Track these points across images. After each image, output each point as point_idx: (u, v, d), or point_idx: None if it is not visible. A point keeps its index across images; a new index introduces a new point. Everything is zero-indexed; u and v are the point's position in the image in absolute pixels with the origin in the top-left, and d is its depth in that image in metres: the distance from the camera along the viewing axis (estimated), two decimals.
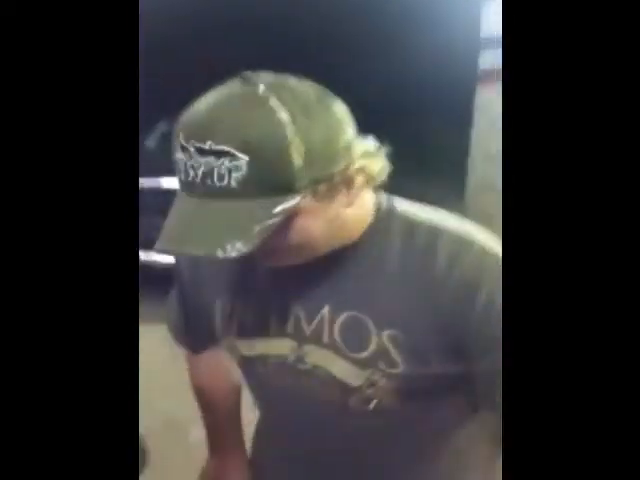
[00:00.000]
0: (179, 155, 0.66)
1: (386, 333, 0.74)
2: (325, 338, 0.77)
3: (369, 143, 0.73)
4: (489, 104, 5.12)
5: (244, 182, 0.63)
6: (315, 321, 0.78)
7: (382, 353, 0.74)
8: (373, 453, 0.82)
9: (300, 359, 0.79)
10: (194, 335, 0.96)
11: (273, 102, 0.64)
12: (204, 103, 0.67)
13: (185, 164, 0.65)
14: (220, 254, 0.63)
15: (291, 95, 0.66)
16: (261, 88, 0.65)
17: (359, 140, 0.71)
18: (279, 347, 0.80)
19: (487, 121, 5.07)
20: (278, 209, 0.65)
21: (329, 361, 0.77)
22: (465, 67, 5.60)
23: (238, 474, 1.03)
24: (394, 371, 0.74)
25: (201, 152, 0.63)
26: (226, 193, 0.63)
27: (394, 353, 0.73)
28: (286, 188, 0.65)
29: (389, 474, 0.84)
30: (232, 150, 0.62)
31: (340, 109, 0.70)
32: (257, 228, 0.64)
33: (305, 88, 0.69)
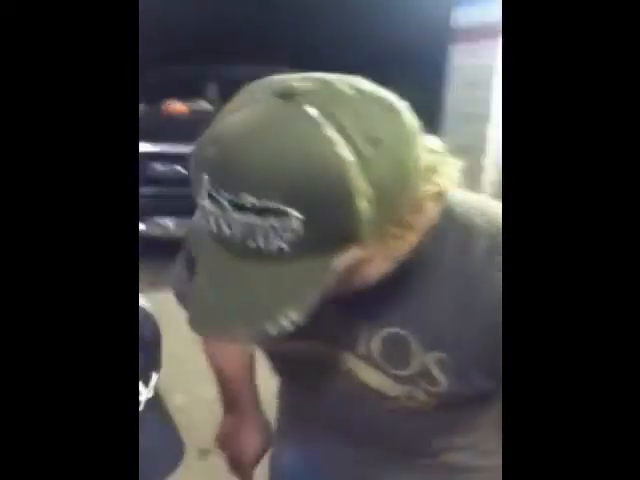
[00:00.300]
0: (206, 204, 0.53)
1: (432, 355, 0.67)
2: (361, 350, 0.70)
3: (434, 147, 0.60)
4: (463, 64, 5.11)
5: (296, 242, 0.51)
6: (351, 332, 0.70)
7: (425, 373, 0.68)
8: (395, 445, 0.79)
9: (335, 361, 0.72)
10: None
11: (328, 131, 0.50)
12: (233, 133, 0.52)
13: (216, 218, 0.53)
14: (272, 330, 0.53)
15: (349, 113, 0.52)
16: (309, 110, 0.51)
17: (424, 147, 0.57)
18: (312, 346, 0.73)
19: (461, 82, 5.06)
20: (338, 265, 0.54)
21: (364, 372, 0.71)
22: (438, 25, 5.56)
23: (252, 432, 1.03)
24: (435, 389, 0.69)
25: (238, 208, 0.51)
26: (274, 255, 0.52)
27: (438, 374, 0.67)
28: (349, 241, 0.53)
29: (406, 465, 0.81)
30: (281, 207, 0.50)
31: (407, 115, 0.56)
32: (313, 291, 0.54)
33: (362, 95, 0.54)
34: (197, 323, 0.57)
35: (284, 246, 0.51)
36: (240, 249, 0.53)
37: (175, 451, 0.67)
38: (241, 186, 0.50)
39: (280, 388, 0.94)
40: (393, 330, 0.68)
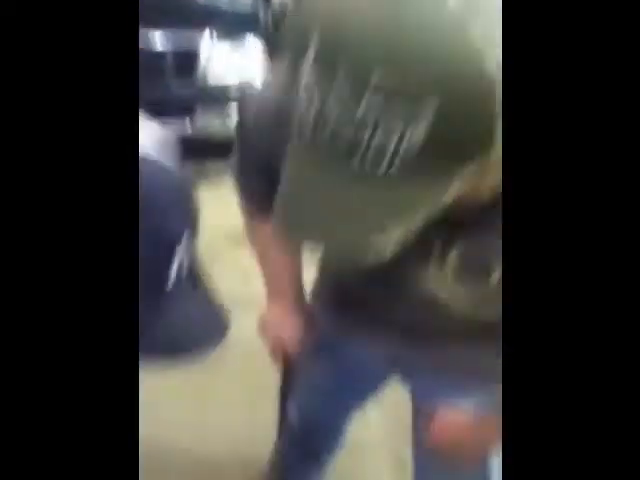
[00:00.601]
0: (309, 76, 0.40)
1: None
2: (437, 262, 0.69)
3: None
4: None
5: (414, 165, 0.42)
6: (428, 246, 0.68)
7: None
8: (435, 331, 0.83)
9: (407, 270, 0.72)
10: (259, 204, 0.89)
11: (474, 38, 0.39)
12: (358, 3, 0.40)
13: (320, 104, 0.40)
14: (369, 261, 0.49)
15: (487, 14, 0.41)
16: (452, 3, 0.40)
17: None
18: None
19: None
20: (455, 188, 0.46)
21: (434, 280, 0.71)
22: None
23: (296, 320, 1.04)
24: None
25: (357, 87, 0.39)
26: (384, 174, 0.42)
27: None
28: (471, 158, 0.44)
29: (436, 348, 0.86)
30: (412, 97, 0.39)
31: None
32: (421, 216, 0.47)
33: None
34: (290, 232, 0.52)
35: (398, 170, 0.42)
36: (341, 159, 0.42)
37: (217, 324, 0.58)
38: (366, 62, 0.39)
39: (321, 281, 0.99)
40: (471, 247, 0.66)
